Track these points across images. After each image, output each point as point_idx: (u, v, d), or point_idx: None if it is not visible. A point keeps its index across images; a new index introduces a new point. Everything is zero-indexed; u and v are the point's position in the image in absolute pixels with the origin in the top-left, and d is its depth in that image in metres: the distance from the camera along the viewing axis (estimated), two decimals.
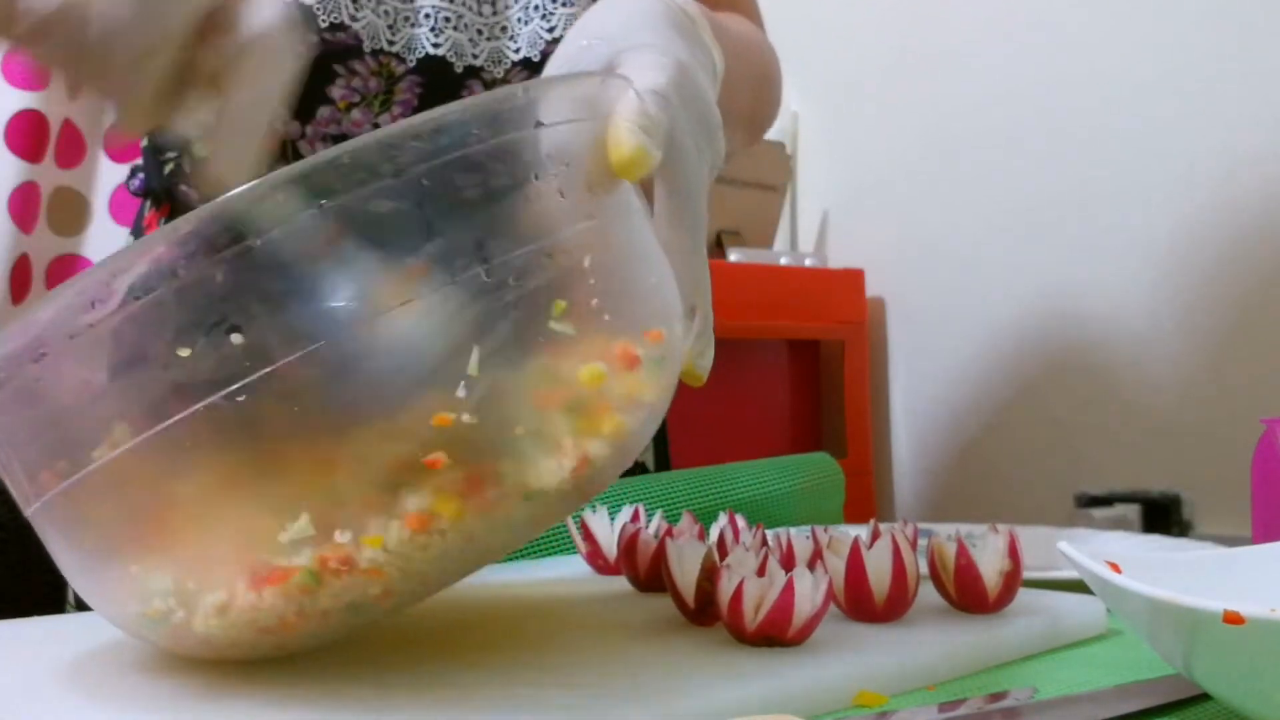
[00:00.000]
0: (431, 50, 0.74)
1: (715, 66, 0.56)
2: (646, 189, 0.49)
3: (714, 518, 0.63)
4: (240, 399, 0.36)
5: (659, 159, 0.44)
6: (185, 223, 0.36)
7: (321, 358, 0.37)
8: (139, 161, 0.88)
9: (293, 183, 0.36)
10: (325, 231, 0.37)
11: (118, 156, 1.49)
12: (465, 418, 0.38)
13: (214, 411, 0.36)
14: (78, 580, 0.44)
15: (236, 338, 0.36)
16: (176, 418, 0.37)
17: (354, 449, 0.38)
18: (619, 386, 0.42)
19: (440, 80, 0.75)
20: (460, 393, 0.38)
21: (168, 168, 0.82)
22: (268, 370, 0.36)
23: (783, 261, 1.87)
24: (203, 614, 0.39)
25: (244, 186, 0.36)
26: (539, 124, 0.42)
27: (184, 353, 0.36)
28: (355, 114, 0.74)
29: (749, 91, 0.72)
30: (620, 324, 0.43)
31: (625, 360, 0.43)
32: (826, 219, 2.00)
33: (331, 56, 0.72)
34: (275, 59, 0.45)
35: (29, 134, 1.42)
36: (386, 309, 0.38)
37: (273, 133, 0.46)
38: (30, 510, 0.42)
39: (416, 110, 0.75)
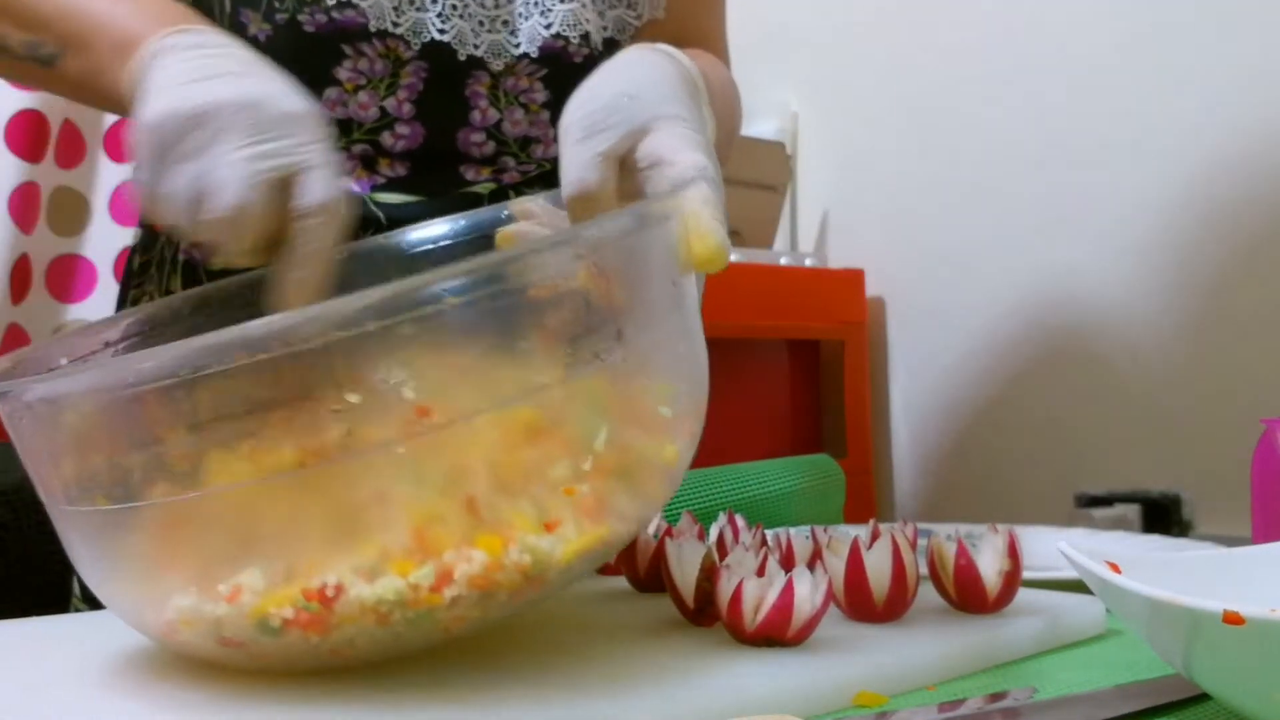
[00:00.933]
0: (438, 36, 0.75)
1: (710, 129, 0.61)
2: None
3: (713, 518, 0.63)
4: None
5: (730, 254, 0.50)
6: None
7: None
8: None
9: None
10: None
11: (118, 157, 1.49)
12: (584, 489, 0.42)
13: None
14: (103, 588, 0.44)
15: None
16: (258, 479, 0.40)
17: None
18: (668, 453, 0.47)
19: (444, 68, 0.75)
20: (586, 465, 0.42)
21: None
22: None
23: (783, 261, 1.87)
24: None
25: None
26: (664, 219, 0.47)
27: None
28: (362, 96, 0.75)
29: (724, 141, 0.74)
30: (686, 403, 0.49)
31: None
32: (826, 219, 2.00)
33: (339, 36, 0.73)
34: (334, 221, 0.54)
35: (29, 134, 1.42)
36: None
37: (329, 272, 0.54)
38: (61, 509, 0.43)
39: (421, 96, 0.75)
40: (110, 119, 1.48)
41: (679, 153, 0.53)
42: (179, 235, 0.54)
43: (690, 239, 0.48)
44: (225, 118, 0.53)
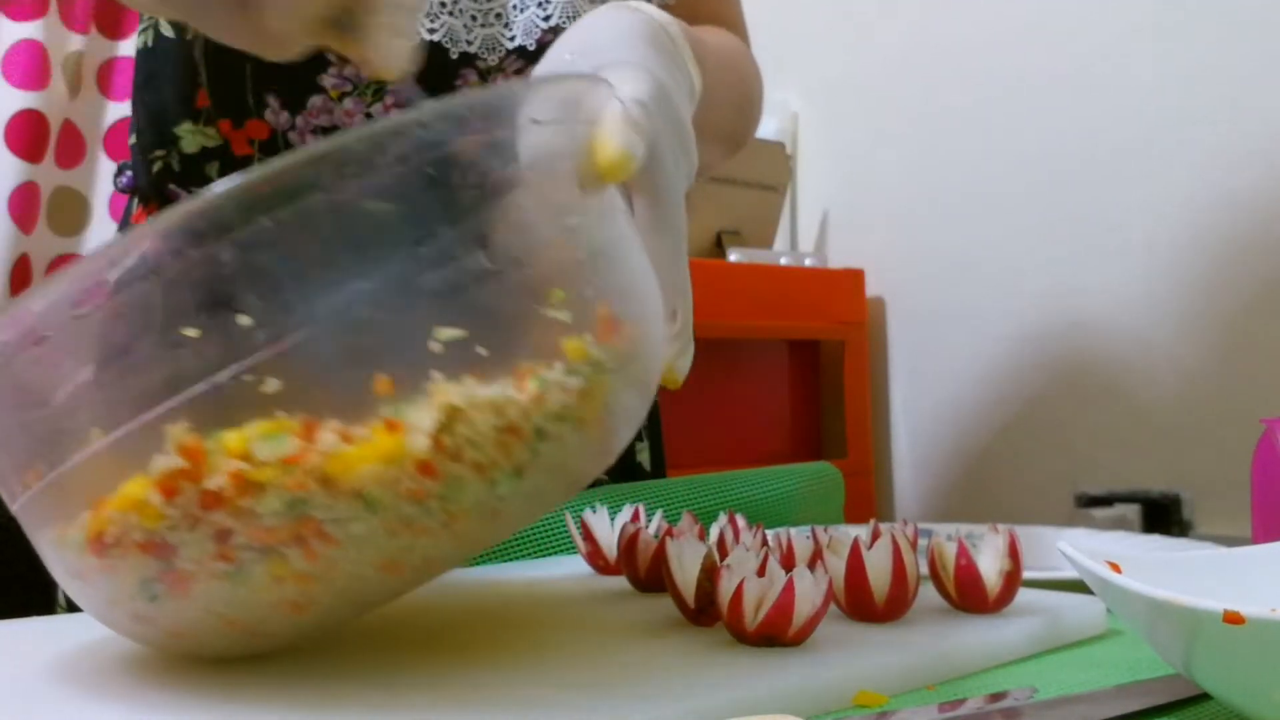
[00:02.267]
0: (426, 36, 0.73)
1: (693, 86, 0.58)
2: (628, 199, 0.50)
3: (713, 519, 0.63)
4: (221, 387, 0.37)
5: (641, 162, 0.46)
6: (172, 216, 0.36)
7: (310, 346, 0.37)
8: (127, 160, 0.87)
9: (280, 176, 0.37)
10: (318, 225, 0.38)
11: (118, 157, 1.49)
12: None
13: (198, 403, 0.37)
14: (63, 579, 0.44)
15: (241, 319, 0.37)
16: (148, 415, 0.37)
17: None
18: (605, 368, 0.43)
19: (435, 68, 0.74)
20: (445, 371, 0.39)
21: (156, 166, 0.82)
22: (250, 362, 0.37)
23: (783, 261, 1.87)
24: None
25: (233, 182, 0.36)
26: (535, 121, 0.43)
27: (191, 332, 0.37)
28: (347, 103, 0.74)
29: (728, 108, 0.73)
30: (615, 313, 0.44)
31: (609, 334, 0.44)
32: (826, 219, 2.00)
33: None
34: None
35: (29, 134, 1.42)
36: (392, 291, 0.38)
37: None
38: (15, 507, 0.42)
39: (410, 100, 0.74)
40: (110, 119, 1.48)
41: (621, 88, 0.51)
42: (209, 27, 0.48)
43: (594, 149, 0.46)
44: None
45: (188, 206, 0.36)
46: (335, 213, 0.38)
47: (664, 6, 0.81)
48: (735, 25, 0.87)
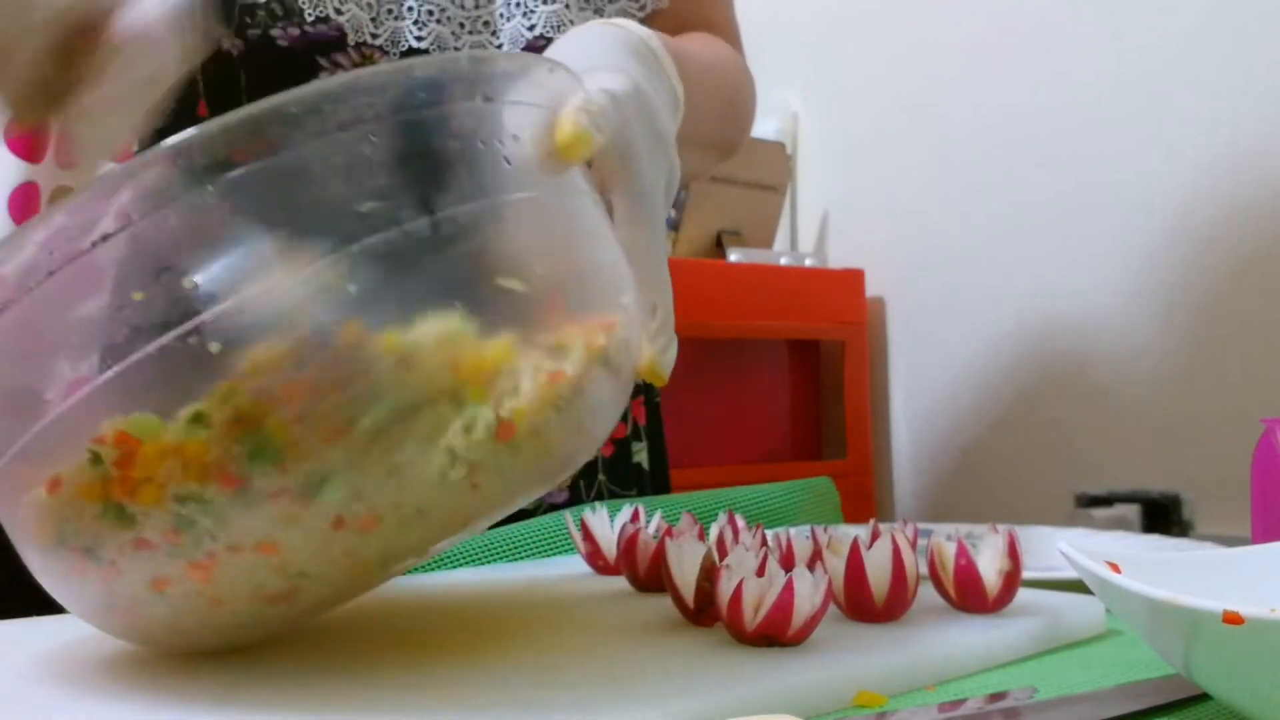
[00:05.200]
0: (415, 44, 0.74)
1: (676, 98, 0.58)
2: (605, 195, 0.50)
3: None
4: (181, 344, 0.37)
5: (600, 143, 0.46)
6: (139, 164, 0.36)
7: (258, 305, 0.37)
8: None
9: (233, 129, 0.37)
10: (267, 180, 0.38)
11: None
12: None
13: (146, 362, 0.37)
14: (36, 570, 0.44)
15: (188, 281, 0.37)
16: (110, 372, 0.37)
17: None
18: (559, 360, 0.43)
19: None
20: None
21: None
22: (200, 319, 0.37)
23: (783, 261, 1.87)
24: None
25: (193, 129, 0.36)
26: (487, 99, 0.43)
27: (138, 296, 0.37)
28: None
29: (716, 115, 0.73)
30: (574, 299, 0.44)
31: (601, 330, 0.44)
32: (826, 219, 2.00)
33: (314, 50, 0.72)
34: (151, 54, 0.45)
35: (29, 134, 1.42)
36: (333, 253, 0.38)
37: (139, 128, 0.47)
38: None
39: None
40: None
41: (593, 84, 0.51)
42: None
43: (555, 127, 0.46)
44: None
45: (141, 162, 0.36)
46: (280, 174, 0.38)
47: (656, 11, 0.81)
48: (726, 30, 0.87)
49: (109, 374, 0.37)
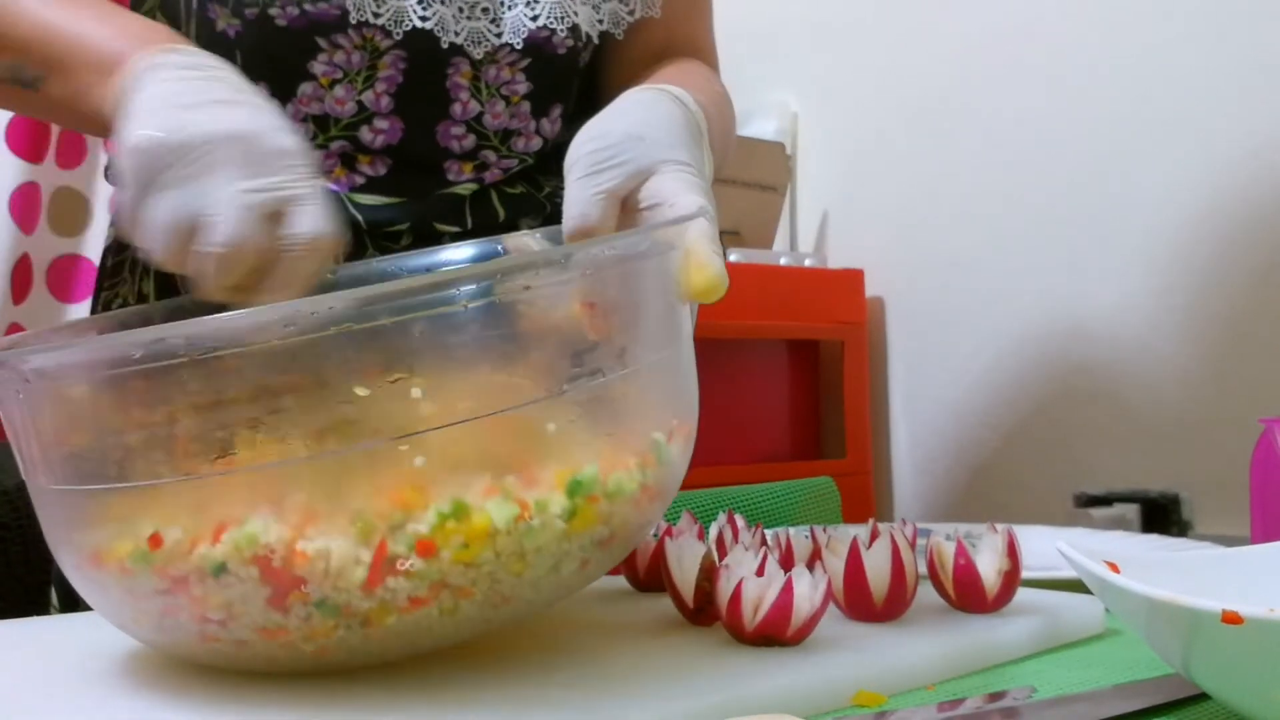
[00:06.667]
0: (419, 24, 0.73)
1: (712, 170, 0.64)
2: None
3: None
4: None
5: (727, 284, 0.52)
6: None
7: None
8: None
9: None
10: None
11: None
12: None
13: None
14: (74, 574, 0.44)
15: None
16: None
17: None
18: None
19: (425, 58, 0.74)
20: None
21: None
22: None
23: (783, 262, 1.87)
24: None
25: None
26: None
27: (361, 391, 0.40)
28: (338, 90, 0.74)
29: (720, 161, 0.75)
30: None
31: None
32: (826, 219, 2.00)
33: (314, 29, 0.72)
34: (320, 254, 0.53)
35: (30, 134, 1.42)
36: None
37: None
38: (47, 489, 0.43)
39: (400, 89, 0.74)
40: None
41: (680, 195, 0.56)
42: (157, 263, 0.52)
43: (690, 268, 0.51)
44: (218, 150, 0.51)
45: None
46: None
47: (648, 21, 0.80)
48: (709, 52, 0.88)
49: None
